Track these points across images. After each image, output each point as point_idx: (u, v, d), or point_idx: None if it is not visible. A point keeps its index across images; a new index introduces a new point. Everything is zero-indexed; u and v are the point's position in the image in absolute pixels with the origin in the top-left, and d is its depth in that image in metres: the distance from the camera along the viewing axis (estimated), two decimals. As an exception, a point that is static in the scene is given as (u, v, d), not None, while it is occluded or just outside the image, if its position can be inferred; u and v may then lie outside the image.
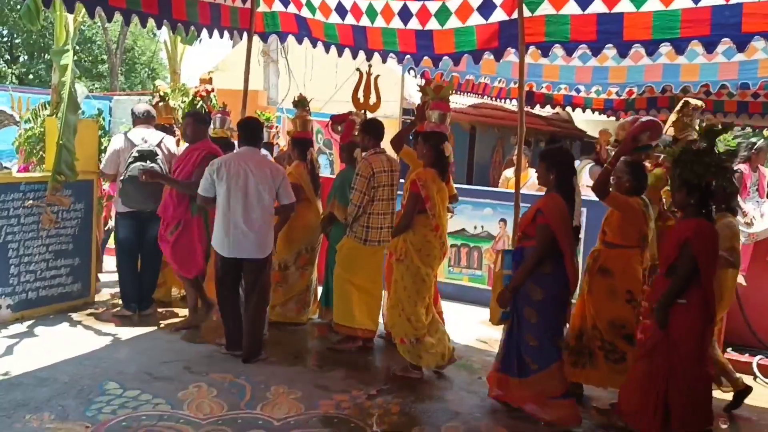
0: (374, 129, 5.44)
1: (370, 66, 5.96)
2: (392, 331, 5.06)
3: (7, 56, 25.73)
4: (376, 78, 6.09)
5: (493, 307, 4.41)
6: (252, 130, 5.14)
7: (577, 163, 8.70)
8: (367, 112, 6.11)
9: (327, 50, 6.51)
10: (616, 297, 4.44)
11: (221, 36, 6.23)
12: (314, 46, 6.57)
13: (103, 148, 6.54)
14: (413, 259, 4.76)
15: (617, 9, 4.72)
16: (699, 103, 5.13)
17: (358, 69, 6.00)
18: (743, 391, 4.74)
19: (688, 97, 5.36)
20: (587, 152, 9.49)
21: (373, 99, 6.13)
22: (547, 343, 4.20)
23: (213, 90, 6.95)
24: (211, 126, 6.13)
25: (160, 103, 6.57)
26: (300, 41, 6.72)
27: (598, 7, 4.80)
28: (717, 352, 4.78)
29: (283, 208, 5.17)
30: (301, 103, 6.13)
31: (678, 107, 5.07)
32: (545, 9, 5.03)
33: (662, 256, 4.16)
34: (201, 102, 6.72)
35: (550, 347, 4.21)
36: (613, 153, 4.63)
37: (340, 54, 6.42)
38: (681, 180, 3.94)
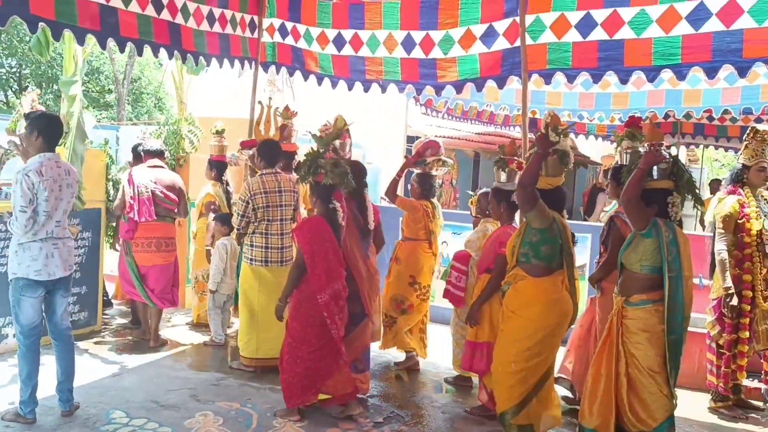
0: (266, 151, 5.48)
1: (270, 99, 6.10)
2: None
3: (16, 86, 26.05)
4: (276, 110, 6.25)
5: None
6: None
7: None
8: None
9: (319, 83, 6.54)
10: (401, 279, 5.59)
11: (232, 65, 6.34)
12: (305, 79, 6.61)
13: (109, 177, 6.61)
14: None
15: (618, 36, 4.80)
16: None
17: (260, 102, 6.19)
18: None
19: (755, 125, 5.35)
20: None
21: (272, 130, 6.30)
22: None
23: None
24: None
25: None
26: (291, 74, 6.78)
27: (599, 34, 4.88)
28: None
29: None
30: (218, 132, 6.63)
31: (747, 135, 5.07)
32: (547, 37, 5.11)
33: None
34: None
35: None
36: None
37: (333, 86, 6.46)
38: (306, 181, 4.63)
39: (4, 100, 25.61)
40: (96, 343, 5.98)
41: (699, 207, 4.22)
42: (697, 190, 4.07)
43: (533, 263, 4.07)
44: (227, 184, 6.66)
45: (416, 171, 5.73)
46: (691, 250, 3.87)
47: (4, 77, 25.61)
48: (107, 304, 6.88)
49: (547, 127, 4.11)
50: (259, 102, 6.28)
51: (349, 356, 4.66)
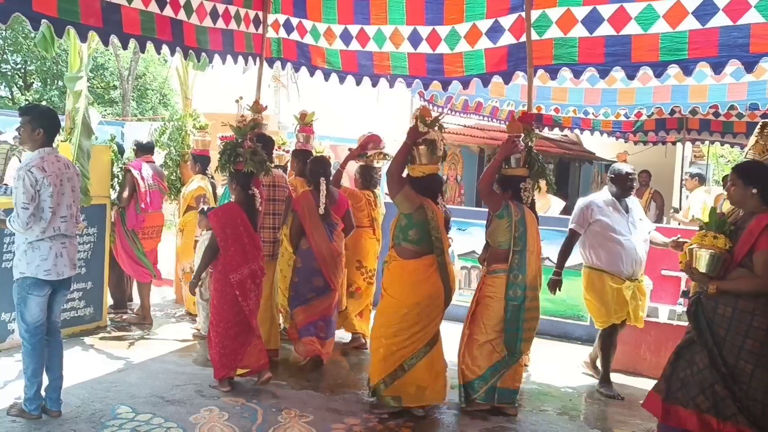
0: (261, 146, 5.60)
1: (241, 98, 6.13)
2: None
3: (21, 83, 26.08)
4: (245, 105, 6.31)
5: None
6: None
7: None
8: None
9: (327, 78, 6.53)
10: (350, 265, 5.91)
11: (235, 62, 6.32)
12: (312, 74, 6.60)
13: (115, 173, 6.62)
14: (287, 247, 5.84)
15: (625, 31, 4.77)
16: None
17: (236, 100, 6.23)
18: None
19: (766, 120, 5.31)
20: None
21: None
22: (299, 295, 5.39)
23: None
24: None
25: None
26: (297, 69, 6.77)
27: (605, 29, 4.85)
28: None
29: None
30: (202, 126, 7.11)
31: (757, 130, 5.04)
32: (553, 32, 5.08)
33: None
34: None
35: (299, 297, 5.39)
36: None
37: (341, 81, 6.45)
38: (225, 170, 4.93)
39: (10, 97, 25.66)
40: (101, 338, 6.01)
41: (549, 192, 4.86)
42: (548, 177, 4.86)
43: (403, 246, 4.47)
44: (212, 177, 6.92)
45: (360, 163, 6.26)
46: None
47: (10, 74, 25.65)
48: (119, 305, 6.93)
49: (416, 119, 4.48)
50: (236, 100, 6.37)
51: (304, 320, 5.35)
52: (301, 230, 5.41)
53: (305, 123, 6.24)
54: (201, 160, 6.82)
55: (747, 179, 3.61)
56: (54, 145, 4.26)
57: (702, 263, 3.57)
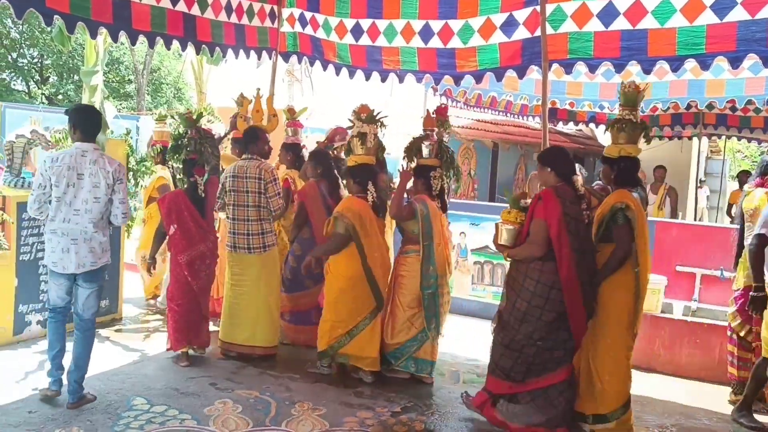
0: (241, 138, 5.76)
1: (258, 89, 6.07)
2: None
3: (37, 77, 26.30)
4: (268, 98, 6.18)
5: None
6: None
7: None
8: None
9: (338, 72, 6.54)
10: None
11: (247, 56, 6.33)
12: (324, 69, 6.62)
13: (130, 167, 6.67)
14: (283, 237, 6.06)
15: (641, 25, 4.74)
16: None
17: (242, 95, 6.19)
18: None
19: None
20: None
21: (264, 120, 6.14)
22: (296, 280, 5.74)
23: None
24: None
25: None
26: (312, 63, 6.79)
27: (621, 23, 4.82)
28: None
29: None
30: (161, 117, 7.17)
31: None
32: (568, 26, 5.06)
33: None
34: None
35: (299, 283, 5.73)
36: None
37: (351, 76, 6.46)
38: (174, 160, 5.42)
39: (26, 91, 25.88)
40: (117, 330, 6.07)
41: (457, 180, 5.43)
42: (456, 165, 5.30)
43: None
44: (172, 167, 6.79)
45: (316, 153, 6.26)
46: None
47: (26, 68, 25.87)
48: None
49: (354, 115, 5.00)
50: (241, 96, 6.24)
51: (304, 305, 5.77)
52: (306, 220, 5.62)
53: (293, 118, 6.39)
54: (161, 150, 6.75)
55: (544, 162, 4.23)
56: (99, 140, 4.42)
57: (501, 236, 4.24)
